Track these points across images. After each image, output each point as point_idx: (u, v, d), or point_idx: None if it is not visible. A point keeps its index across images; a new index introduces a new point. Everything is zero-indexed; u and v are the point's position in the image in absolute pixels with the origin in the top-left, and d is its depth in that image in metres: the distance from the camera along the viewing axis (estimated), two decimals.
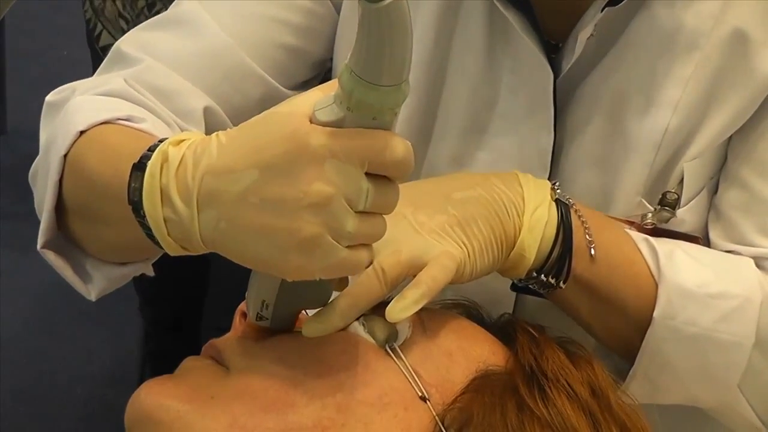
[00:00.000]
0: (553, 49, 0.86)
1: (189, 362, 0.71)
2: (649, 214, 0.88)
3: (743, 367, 0.83)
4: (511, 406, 0.66)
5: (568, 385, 0.69)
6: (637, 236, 0.84)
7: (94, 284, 0.81)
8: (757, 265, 0.86)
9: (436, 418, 0.66)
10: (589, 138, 0.87)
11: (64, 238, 0.81)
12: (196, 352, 0.72)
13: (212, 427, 0.64)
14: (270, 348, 0.69)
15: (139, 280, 2.16)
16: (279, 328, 0.71)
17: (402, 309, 0.69)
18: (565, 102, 0.87)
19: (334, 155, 0.60)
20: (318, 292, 0.69)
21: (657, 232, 0.87)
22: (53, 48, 3.15)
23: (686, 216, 0.89)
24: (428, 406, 0.66)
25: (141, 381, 0.70)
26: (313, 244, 0.61)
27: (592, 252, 0.80)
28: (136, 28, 0.91)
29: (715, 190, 0.90)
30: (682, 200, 0.88)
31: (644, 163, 0.86)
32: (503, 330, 0.75)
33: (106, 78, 0.85)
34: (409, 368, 0.68)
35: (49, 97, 0.85)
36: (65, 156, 0.76)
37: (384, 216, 0.64)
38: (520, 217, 0.77)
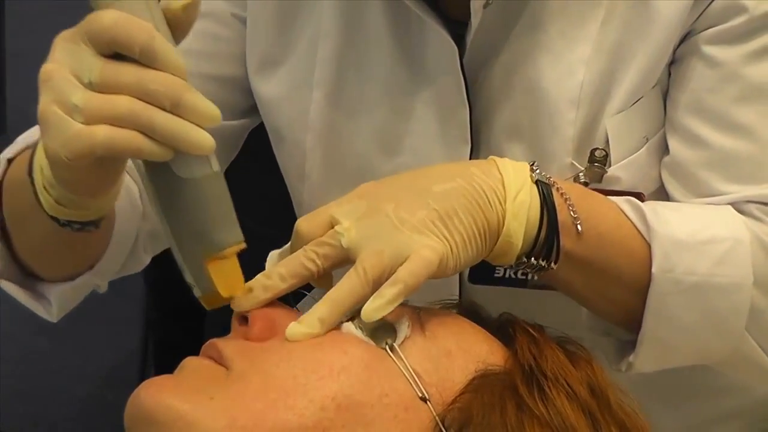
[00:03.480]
0: (463, 28, 0.88)
1: (189, 362, 0.71)
2: (581, 174, 0.89)
3: (747, 308, 0.84)
4: (511, 405, 0.67)
5: (568, 384, 0.69)
6: (619, 199, 0.85)
7: (52, 305, 0.89)
8: (737, 210, 0.87)
9: (437, 418, 0.66)
10: (508, 108, 0.89)
11: (20, 268, 0.87)
12: (200, 344, 0.73)
13: (212, 427, 0.64)
14: (270, 349, 0.69)
15: (147, 269, 2.15)
16: (206, 290, 0.72)
17: (376, 309, 0.70)
18: (480, 75, 0.89)
19: (62, 39, 0.68)
20: (201, 236, 0.70)
21: (599, 192, 0.88)
22: None
23: (620, 173, 0.90)
24: (428, 407, 0.67)
25: (143, 373, 0.70)
26: (47, 120, 0.67)
27: (579, 228, 0.80)
28: None
29: (660, 152, 0.92)
30: (613, 157, 0.90)
31: (567, 123, 0.88)
32: (502, 329, 0.75)
33: None
34: (409, 368, 0.68)
35: None
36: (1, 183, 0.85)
37: (131, 98, 0.66)
38: (502, 204, 0.77)
